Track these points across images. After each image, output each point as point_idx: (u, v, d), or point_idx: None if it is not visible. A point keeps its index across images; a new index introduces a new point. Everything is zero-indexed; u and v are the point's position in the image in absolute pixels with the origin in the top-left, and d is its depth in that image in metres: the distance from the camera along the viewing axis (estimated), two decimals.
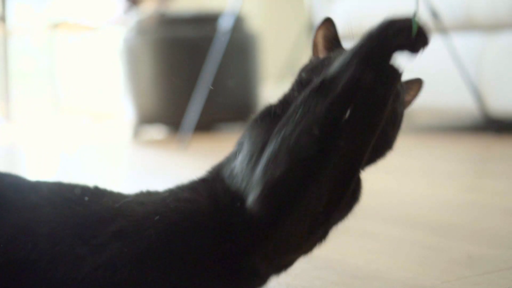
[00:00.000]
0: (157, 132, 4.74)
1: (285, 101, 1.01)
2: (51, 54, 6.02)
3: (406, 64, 0.93)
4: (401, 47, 0.89)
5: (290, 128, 0.91)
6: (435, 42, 3.77)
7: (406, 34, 0.88)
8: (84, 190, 1.01)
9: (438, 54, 3.82)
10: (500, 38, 3.66)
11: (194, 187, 1.02)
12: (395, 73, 0.92)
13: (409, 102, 1.11)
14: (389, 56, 0.90)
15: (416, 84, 1.11)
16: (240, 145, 1.02)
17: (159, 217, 0.93)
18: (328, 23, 1.10)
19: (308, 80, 0.99)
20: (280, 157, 0.90)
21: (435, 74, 3.97)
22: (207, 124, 4.44)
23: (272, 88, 5.21)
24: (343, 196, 0.95)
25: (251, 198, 0.92)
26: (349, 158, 0.92)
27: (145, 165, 3.28)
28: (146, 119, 4.58)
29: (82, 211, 0.96)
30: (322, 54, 1.10)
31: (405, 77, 1.00)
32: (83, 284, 0.90)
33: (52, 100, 6.03)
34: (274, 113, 0.99)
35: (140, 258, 0.91)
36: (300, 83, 1.03)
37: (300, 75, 1.05)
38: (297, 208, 0.91)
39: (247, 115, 4.68)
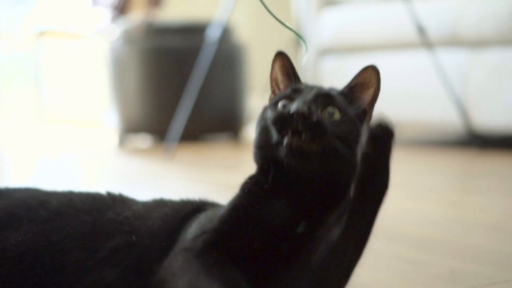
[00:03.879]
0: (142, 141, 4.73)
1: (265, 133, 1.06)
2: (37, 62, 5.99)
3: (390, 79, 0.94)
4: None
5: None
6: (421, 58, 3.80)
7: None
8: (95, 200, 1.14)
9: (424, 69, 3.85)
10: (485, 55, 3.68)
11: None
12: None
13: (378, 90, 1.10)
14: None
15: (370, 71, 1.09)
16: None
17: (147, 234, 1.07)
18: (282, 55, 1.14)
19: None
20: None
21: (420, 89, 3.99)
22: (193, 134, 4.43)
23: (258, 99, 5.21)
24: None
25: None
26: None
27: (130, 174, 3.27)
28: (131, 128, 4.57)
29: (91, 221, 1.09)
30: (282, 85, 1.15)
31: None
32: None
33: (37, 108, 6.00)
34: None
35: (125, 272, 1.04)
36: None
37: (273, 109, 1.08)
38: None
39: (233, 125, 4.68)
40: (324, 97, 1.05)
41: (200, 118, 4.27)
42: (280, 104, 1.06)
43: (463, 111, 3.67)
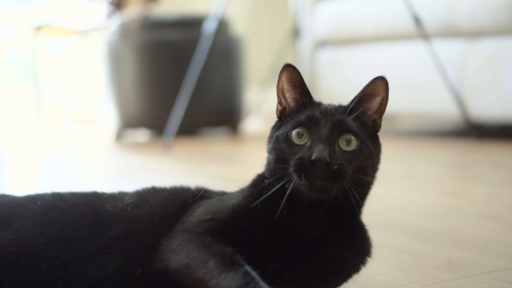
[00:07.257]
0: (140, 135, 4.73)
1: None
2: (34, 57, 5.98)
3: (387, 71, 0.95)
4: None
5: None
6: (418, 49, 3.80)
7: None
8: (88, 196, 1.15)
9: (420, 60, 3.85)
10: (481, 45, 3.69)
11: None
12: None
13: (385, 99, 1.16)
14: None
15: (379, 82, 1.15)
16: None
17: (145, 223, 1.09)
18: (289, 68, 1.14)
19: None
20: None
21: (417, 80, 4.00)
22: (190, 128, 4.44)
23: (256, 92, 5.21)
24: None
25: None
26: None
27: (127, 168, 3.27)
28: (129, 122, 4.57)
29: (90, 213, 1.09)
30: (288, 95, 1.15)
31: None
32: (91, 283, 1.03)
33: (35, 103, 5.99)
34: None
35: (128, 260, 1.04)
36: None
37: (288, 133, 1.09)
38: None
39: (231, 119, 4.68)
40: (340, 126, 1.08)
41: (197, 112, 4.28)
42: (294, 133, 1.08)
43: (460, 101, 3.68)
